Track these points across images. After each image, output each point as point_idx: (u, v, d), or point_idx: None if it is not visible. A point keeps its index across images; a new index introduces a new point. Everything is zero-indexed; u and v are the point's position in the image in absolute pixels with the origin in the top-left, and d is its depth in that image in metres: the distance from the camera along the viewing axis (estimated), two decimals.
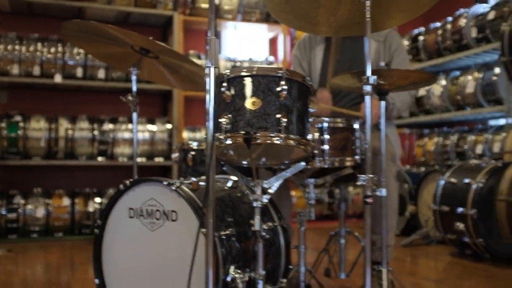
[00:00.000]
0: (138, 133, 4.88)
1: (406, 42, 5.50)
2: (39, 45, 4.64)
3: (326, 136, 2.08)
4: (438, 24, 5.15)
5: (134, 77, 2.36)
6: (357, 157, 2.15)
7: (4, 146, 4.49)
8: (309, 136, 1.84)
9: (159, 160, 4.95)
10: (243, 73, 1.77)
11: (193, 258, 1.65)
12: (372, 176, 1.77)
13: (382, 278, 2.11)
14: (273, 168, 2.13)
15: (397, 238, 4.47)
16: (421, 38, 5.27)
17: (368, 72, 1.81)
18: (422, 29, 5.38)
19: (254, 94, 1.75)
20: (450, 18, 4.99)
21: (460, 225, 3.55)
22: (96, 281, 2.11)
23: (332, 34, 2.16)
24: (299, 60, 2.92)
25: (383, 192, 2.03)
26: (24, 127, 4.54)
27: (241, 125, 1.73)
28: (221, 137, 1.73)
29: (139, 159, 4.86)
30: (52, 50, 4.66)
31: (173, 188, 1.88)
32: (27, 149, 4.55)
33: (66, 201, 4.57)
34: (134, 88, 2.40)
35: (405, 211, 4.53)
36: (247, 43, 5.83)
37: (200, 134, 5.30)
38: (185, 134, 5.23)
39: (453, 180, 3.71)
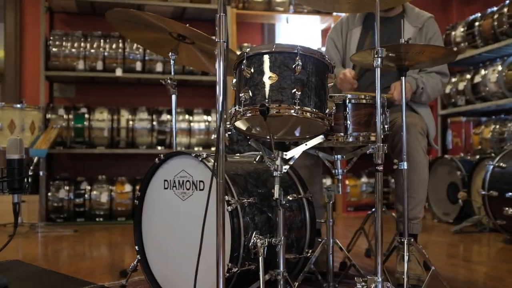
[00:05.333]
0: (194, 123, 5.14)
1: (461, 29, 5.39)
2: (101, 42, 5.00)
3: (350, 112, 2.14)
4: (494, 8, 5.02)
5: (172, 61, 2.53)
6: None
7: (72, 136, 4.90)
8: (328, 111, 1.93)
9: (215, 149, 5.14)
10: (261, 51, 1.89)
11: (204, 223, 1.69)
12: (382, 145, 1.83)
13: (404, 250, 2.14)
14: (294, 143, 2.23)
15: (450, 225, 4.43)
16: (476, 23, 5.15)
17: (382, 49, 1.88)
18: (478, 14, 5.25)
19: (271, 69, 1.86)
20: (507, 1, 4.85)
21: (509, 210, 3.48)
22: (136, 247, 2.30)
23: (349, 10, 2.25)
24: (334, 41, 2.92)
25: (404, 165, 2.11)
26: (89, 118, 4.92)
27: (258, 98, 1.85)
28: (240, 110, 1.86)
29: (196, 148, 5.11)
30: (114, 46, 5.01)
31: (200, 159, 2.03)
32: (92, 138, 4.94)
33: (128, 188, 4.89)
34: (173, 72, 2.57)
35: (457, 198, 4.47)
36: (300, 35, 5.91)
37: None
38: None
39: (502, 164, 3.64)
